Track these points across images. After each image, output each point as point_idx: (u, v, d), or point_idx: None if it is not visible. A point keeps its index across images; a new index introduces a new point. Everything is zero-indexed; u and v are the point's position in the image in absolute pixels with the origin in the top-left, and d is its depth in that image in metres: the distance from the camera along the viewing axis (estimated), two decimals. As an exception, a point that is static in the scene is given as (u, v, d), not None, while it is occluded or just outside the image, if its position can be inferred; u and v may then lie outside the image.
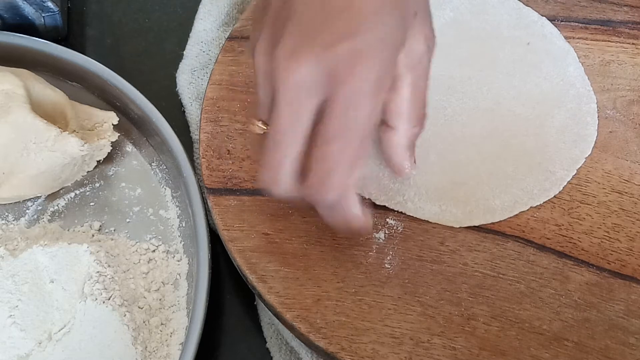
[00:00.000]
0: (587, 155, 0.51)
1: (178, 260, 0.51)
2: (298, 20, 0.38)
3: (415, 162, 0.48)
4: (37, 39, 0.56)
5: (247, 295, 0.51)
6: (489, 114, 0.52)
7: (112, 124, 0.54)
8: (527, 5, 0.56)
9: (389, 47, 0.39)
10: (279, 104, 0.39)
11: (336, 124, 0.39)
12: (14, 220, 0.53)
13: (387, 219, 0.49)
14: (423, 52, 0.43)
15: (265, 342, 0.49)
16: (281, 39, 0.38)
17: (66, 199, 0.54)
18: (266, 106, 0.41)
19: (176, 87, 0.57)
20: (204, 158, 0.51)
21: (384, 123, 0.45)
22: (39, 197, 0.53)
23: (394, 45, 0.39)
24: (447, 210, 0.49)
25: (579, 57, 0.55)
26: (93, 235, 0.52)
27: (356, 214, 0.43)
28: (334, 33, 0.38)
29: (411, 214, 0.49)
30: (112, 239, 0.51)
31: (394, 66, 0.41)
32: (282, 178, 0.40)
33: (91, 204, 0.53)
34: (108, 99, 0.56)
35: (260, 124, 0.42)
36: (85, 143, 0.51)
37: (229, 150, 0.51)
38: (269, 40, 0.40)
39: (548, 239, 0.48)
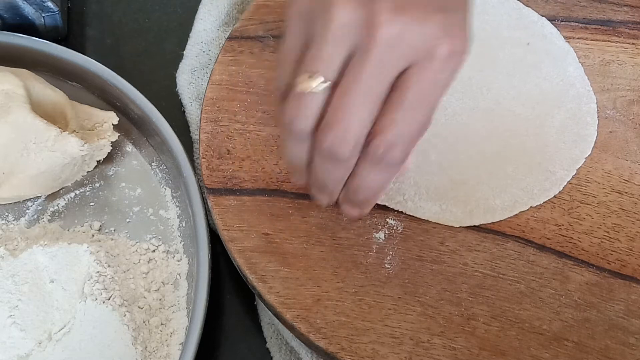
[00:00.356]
0: (587, 155, 0.51)
1: (178, 260, 0.51)
2: None
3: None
4: (37, 39, 0.56)
5: (247, 295, 0.51)
6: (489, 114, 0.52)
7: (112, 124, 0.54)
8: (527, 5, 0.56)
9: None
10: (370, 58, 0.37)
11: (424, 89, 0.37)
12: (14, 220, 0.53)
13: (387, 219, 0.49)
14: None
15: (265, 342, 0.49)
16: None
17: (66, 199, 0.54)
18: (333, 59, 0.37)
19: (176, 87, 0.57)
20: (204, 158, 0.51)
21: None
22: (39, 197, 0.53)
23: None
24: (447, 210, 0.49)
25: (579, 57, 0.55)
26: (93, 235, 0.52)
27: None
28: (431, 2, 0.37)
29: (411, 214, 0.49)
30: (112, 239, 0.51)
31: None
32: (351, 137, 0.38)
33: (91, 204, 0.53)
34: (108, 99, 0.56)
35: (316, 78, 0.38)
36: (85, 143, 0.51)
37: (229, 150, 0.51)
38: None
39: (548, 239, 0.48)
